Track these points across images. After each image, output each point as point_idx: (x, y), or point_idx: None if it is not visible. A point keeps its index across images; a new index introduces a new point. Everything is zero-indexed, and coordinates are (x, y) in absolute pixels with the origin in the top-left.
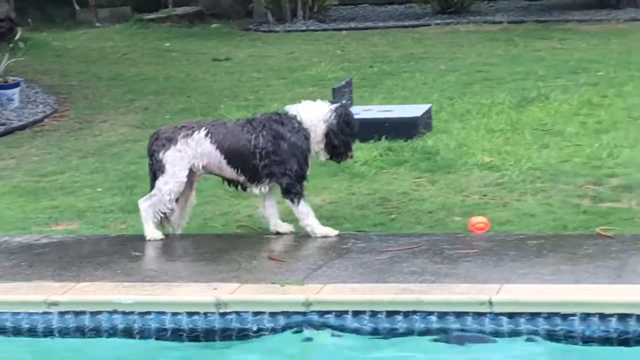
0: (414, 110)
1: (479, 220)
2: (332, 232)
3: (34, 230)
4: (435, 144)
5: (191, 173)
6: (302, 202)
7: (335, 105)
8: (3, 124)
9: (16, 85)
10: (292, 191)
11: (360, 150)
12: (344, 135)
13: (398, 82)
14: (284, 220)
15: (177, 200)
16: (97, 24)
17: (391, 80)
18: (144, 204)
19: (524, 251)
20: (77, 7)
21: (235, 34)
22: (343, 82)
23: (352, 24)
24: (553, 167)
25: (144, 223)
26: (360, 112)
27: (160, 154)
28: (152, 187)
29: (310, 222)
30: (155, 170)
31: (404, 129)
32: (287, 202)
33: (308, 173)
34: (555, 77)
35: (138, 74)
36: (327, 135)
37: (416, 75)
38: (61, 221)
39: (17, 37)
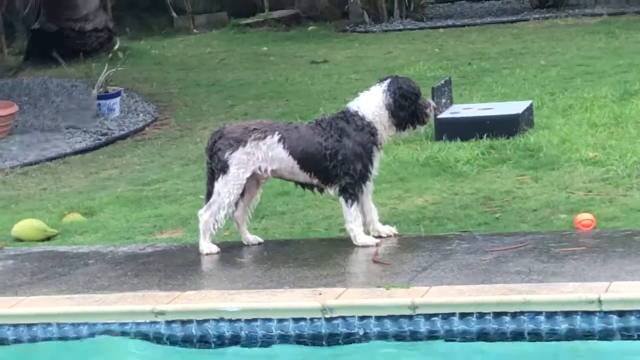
0: (515, 107)
1: (585, 217)
2: (373, 241)
3: (139, 240)
4: (537, 141)
5: (255, 174)
6: (355, 204)
7: (385, 84)
8: (105, 134)
9: (117, 94)
10: (349, 191)
11: (462, 150)
12: (404, 111)
13: (498, 78)
14: (384, 223)
15: (242, 195)
16: (195, 31)
17: (491, 77)
18: (204, 215)
19: (632, 247)
20: (174, 15)
21: (332, 36)
22: (442, 81)
23: (450, 22)
24: None
25: (201, 236)
26: (460, 110)
27: (226, 154)
28: (209, 187)
29: (356, 228)
30: (215, 170)
31: (506, 126)
32: (340, 199)
33: (374, 174)
34: None
35: (237, 79)
36: (392, 117)
37: (516, 71)
38: (165, 229)
39: (116, 47)
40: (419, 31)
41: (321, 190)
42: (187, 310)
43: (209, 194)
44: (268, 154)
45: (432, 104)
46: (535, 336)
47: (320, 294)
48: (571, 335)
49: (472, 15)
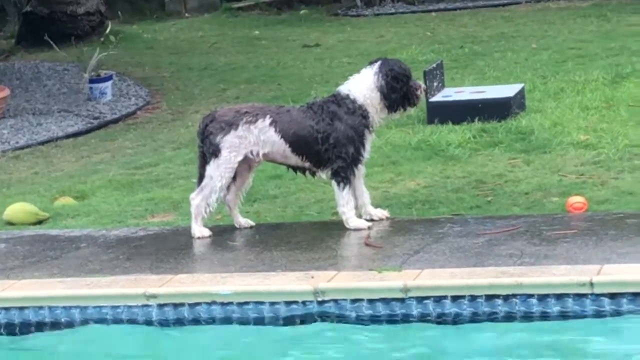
0: (506, 90)
1: (576, 200)
2: (365, 224)
3: (131, 223)
4: (529, 124)
5: (247, 158)
6: (347, 188)
7: (376, 66)
8: (97, 118)
9: (108, 78)
10: (342, 174)
11: (454, 133)
12: (396, 93)
13: (489, 62)
14: (376, 206)
15: (234, 178)
16: (187, 15)
17: (482, 61)
18: (196, 199)
19: (624, 230)
20: None
21: (324, 20)
22: (434, 65)
23: (441, 5)
24: None
25: (193, 220)
26: (452, 94)
27: (217, 138)
28: (201, 171)
29: (348, 211)
30: (207, 154)
31: (497, 109)
32: (332, 183)
33: (366, 157)
34: None
35: (228, 63)
36: (384, 99)
37: (508, 54)
38: (157, 213)
39: (107, 31)
40: (411, 15)
41: (313, 174)
42: (178, 293)
43: (201, 178)
44: (260, 137)
45: (422, 85)
46: (527, 319)
47: (312, 277)
48: (563, 317)
49: None
